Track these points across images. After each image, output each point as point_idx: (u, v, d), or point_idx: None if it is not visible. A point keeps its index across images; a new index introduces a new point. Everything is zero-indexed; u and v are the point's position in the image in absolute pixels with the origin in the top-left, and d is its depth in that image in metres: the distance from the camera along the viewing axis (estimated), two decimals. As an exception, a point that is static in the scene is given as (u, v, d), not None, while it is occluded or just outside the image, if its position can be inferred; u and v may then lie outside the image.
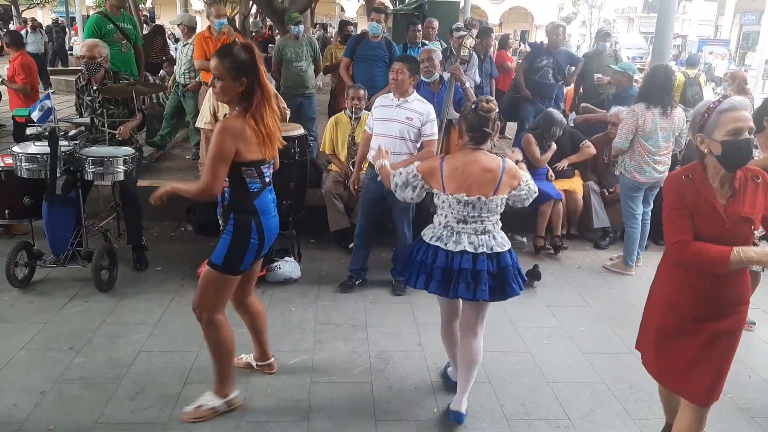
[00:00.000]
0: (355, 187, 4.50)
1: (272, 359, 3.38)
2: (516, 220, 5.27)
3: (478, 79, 6.46)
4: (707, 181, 2.31)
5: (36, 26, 14.02)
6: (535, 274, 4.61)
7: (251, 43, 2.73)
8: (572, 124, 6.48)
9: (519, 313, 4.21)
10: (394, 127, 4.04)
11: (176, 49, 7.49)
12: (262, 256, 3.00)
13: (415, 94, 4.11)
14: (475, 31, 6.63)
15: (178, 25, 7.03)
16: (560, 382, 3.42)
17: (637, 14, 44.37)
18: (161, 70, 9.07)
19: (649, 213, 5.04)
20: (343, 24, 9.65)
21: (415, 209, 4.36)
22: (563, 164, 5.53)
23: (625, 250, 4.99)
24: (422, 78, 4.86)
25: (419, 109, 4.06)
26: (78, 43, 13.24)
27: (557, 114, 5.50)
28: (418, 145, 4.13)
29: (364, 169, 4.44)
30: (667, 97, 4.64)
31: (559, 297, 4.54)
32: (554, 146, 5.45)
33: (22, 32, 14.02)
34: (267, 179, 2.82)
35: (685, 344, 2.43)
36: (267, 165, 2.80)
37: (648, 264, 5.15)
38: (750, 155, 2.30)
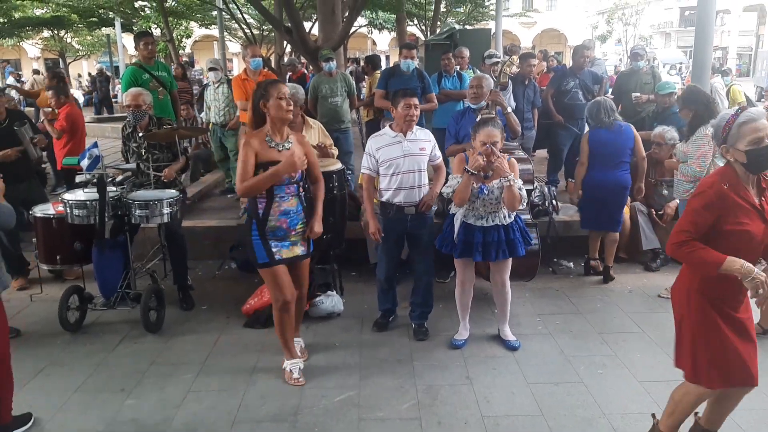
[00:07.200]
0: (381, 235, 4.12)
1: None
2: (563, 245, 5.20)
3: (513, 104, 6.44)
4: (743, 185, 2.49)
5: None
6: None
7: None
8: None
9: (569, 342, 4.08)
10: (414, 161, 3.96)
11: (205, 90, 7.72)
12: None
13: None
14: (515, 58, 6.60)
15: (210, 70, 7.26)
16: (617, 413, 3.28)
17: (673, 29, 43.75)
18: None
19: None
20: (372, 59, 9.73)
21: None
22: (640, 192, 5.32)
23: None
24: (470, 105, 4.85)
25: (425, 137, 4.05)
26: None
27: None
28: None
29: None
30: (713, 108, 4.55)
31: (611, 323, 4.38)
32: None
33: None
34: None
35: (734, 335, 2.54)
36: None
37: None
38: None
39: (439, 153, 4.13)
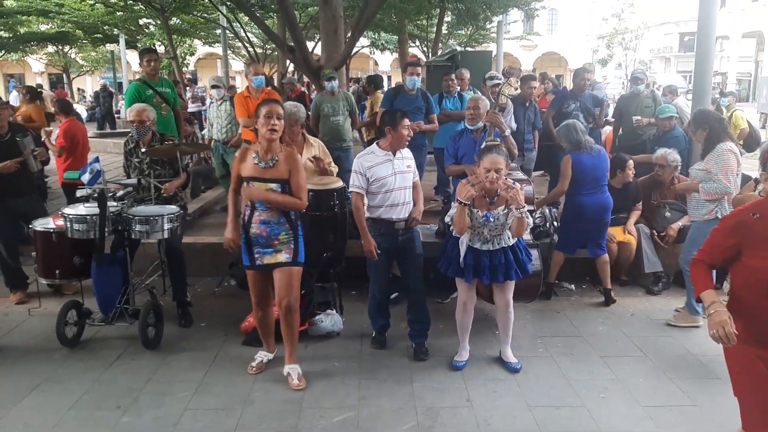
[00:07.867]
0: (378, 252, 4.06)
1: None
2: (564, 267, 5.18)
3: (514, 126, 6.44)
4: None
5: None
6: None
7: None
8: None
9: (571, 365, 4.04)
10: (403, 178, 4.03)
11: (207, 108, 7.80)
12: None
13: None
14: (513, 80, 6.64)
15: (213, 87, 7.29)
16: (620, 438, 3.23)
17: (673, 53, 44.10)
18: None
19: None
20: (374, 79, 9.82)
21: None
22: (631, 222, 5.44)
23: (694, 300, 4.70)
24: (467, 126, 4.87)
25: (409, 155, 4.16)
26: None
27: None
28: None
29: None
30: (725, 124, 4.57)
31: (614, 347, 4.34)
32: None
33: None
34: None
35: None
36: None
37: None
38: None
39: (416, 170, 4.25)
